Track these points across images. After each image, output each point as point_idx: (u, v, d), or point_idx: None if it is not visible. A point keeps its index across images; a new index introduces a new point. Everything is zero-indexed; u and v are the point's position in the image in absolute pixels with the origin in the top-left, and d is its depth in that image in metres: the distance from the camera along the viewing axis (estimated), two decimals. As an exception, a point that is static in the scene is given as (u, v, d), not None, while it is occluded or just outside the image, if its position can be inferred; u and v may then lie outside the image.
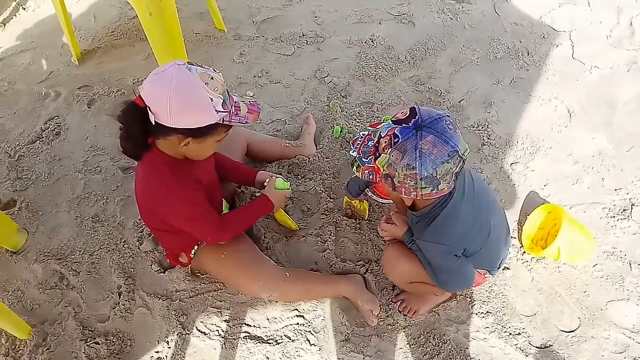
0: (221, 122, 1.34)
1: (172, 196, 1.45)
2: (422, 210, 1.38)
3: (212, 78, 1.30)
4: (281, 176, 1.80)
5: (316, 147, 2.21)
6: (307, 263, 1.87)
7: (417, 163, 1.17)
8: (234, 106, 1.37)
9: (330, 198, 2.03)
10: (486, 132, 2.21)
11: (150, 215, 1.62)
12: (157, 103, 1.28)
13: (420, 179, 1.19)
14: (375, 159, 1.26)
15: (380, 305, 1.71)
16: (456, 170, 1.22)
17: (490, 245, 1.48)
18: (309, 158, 2.14)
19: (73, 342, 1.72)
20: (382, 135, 1.23)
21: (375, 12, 2.80)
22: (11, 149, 2.31)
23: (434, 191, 1.22)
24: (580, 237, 1.76)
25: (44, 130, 2.38)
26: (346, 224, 1.94)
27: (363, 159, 1.29)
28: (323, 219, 1.97)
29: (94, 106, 2.48)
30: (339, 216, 1.96)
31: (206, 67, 1.33)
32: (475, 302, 1.74)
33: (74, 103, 2.49)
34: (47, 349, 1.71)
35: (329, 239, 1.90)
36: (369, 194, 2.02)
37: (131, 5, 2.14)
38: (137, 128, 1.35)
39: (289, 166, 2.14)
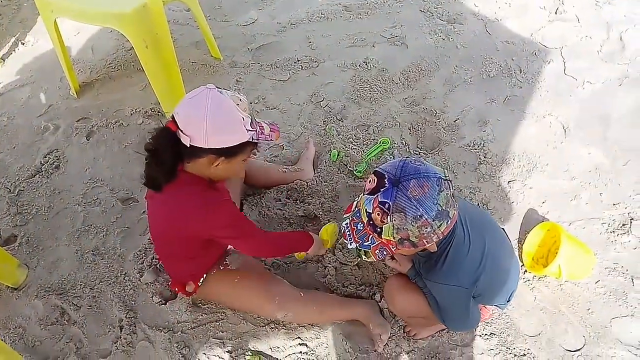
0: (251, 140, 1.40)
1: (216, 204, 1.48)
2: (426, 251, 1.34)
3: (240, 99, 1.40)
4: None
5: (314, 171, 2.22)
6: (308, 289, 1.85)
7: (421, 210, 1.15)
8: (259, 125, 1.44)
9: (330, 222, 2.03)
10: (482, 150, 2.22)
11: (171, 239, 1.59)
12: (194, 125, 1.34)
13: (433, 221, 1.16)
14: (379, 234, 1.22)
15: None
16: (452, 192, 1.21)
17: (499, 278, 1.47)
18: (307, 182, 2.15)
19: (75, 379, 1.71)
20: (370, 211, 1.20)
21: (368, 36, 2.84)
22: (11, 184, 2.33)
23: (449, 222, 1.19)
24: (580, 254, 1.76)
25: (44, 164, 2.40)
26: (345, 247, 1.94)
27: (364, 244, 1.26)
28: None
29: (93, 138, 2.50)
30: (339, 240, 1.96)
31: (232, 91, 1.41)
32: (478, 324, 1.73)
33: (72, 135, 2.52)
34: (49, 387, 1.69)
35: (329, 265, 1.89)
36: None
37: (127, 38, 2.18)
38: (169, 153, 1.40)
39: (287, 191, 2.14)
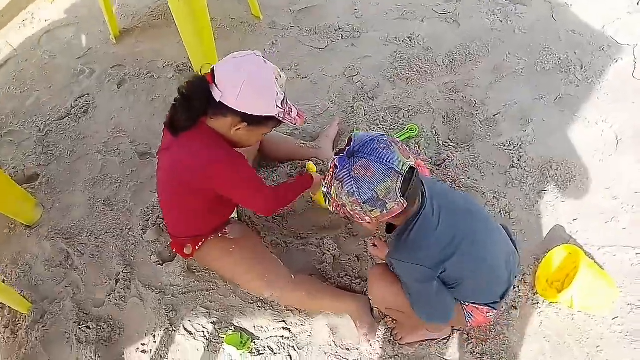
0: (277, 117, 1.41)
1: (234, 158, 1.48)
2: (395, 230, 1.34)
3: (280, 75, 1.41)
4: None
5: (333, 150, 2.12)
6: (303, 273, 1.80)
7: (355, 189, 1.16)
8: (288, 106, 1.45)
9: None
10: (517, 152, 2.02)
11: (179, 191, 1.55)
12: (229, 83, 1.35)
13: (364, 203, 1.17)
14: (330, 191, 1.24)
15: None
16: (399, 186, 1.16)
17: (482, 266, 1.35)
18: (322, 161, 2.06)
19: (67, 323, 1.78)
20: (329, 167, 1.23)
21: (419, 9, 2.62)
22: (42, 124, 2.40)
23: (384, 212, 1.19)
24: (600, 286, 1.58)
25: (74, 107, 2.45)
26: (349, 237, 1.86)
27: (331, 192, 1.24)
28: (326, 230, 1.90)
29: (123, 87, 2.51)
30: (344, 228, 1.88)
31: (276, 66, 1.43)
32: (471, 340, 1.62)
33: (105, 82, 2.54)
34: (43, 327, 1.78)
35: (328, 252, 1.82)
36: None
37: (160, -11, 2.12)
38: (199, 102, 1.41)
39: (302, 167, 2.07)
